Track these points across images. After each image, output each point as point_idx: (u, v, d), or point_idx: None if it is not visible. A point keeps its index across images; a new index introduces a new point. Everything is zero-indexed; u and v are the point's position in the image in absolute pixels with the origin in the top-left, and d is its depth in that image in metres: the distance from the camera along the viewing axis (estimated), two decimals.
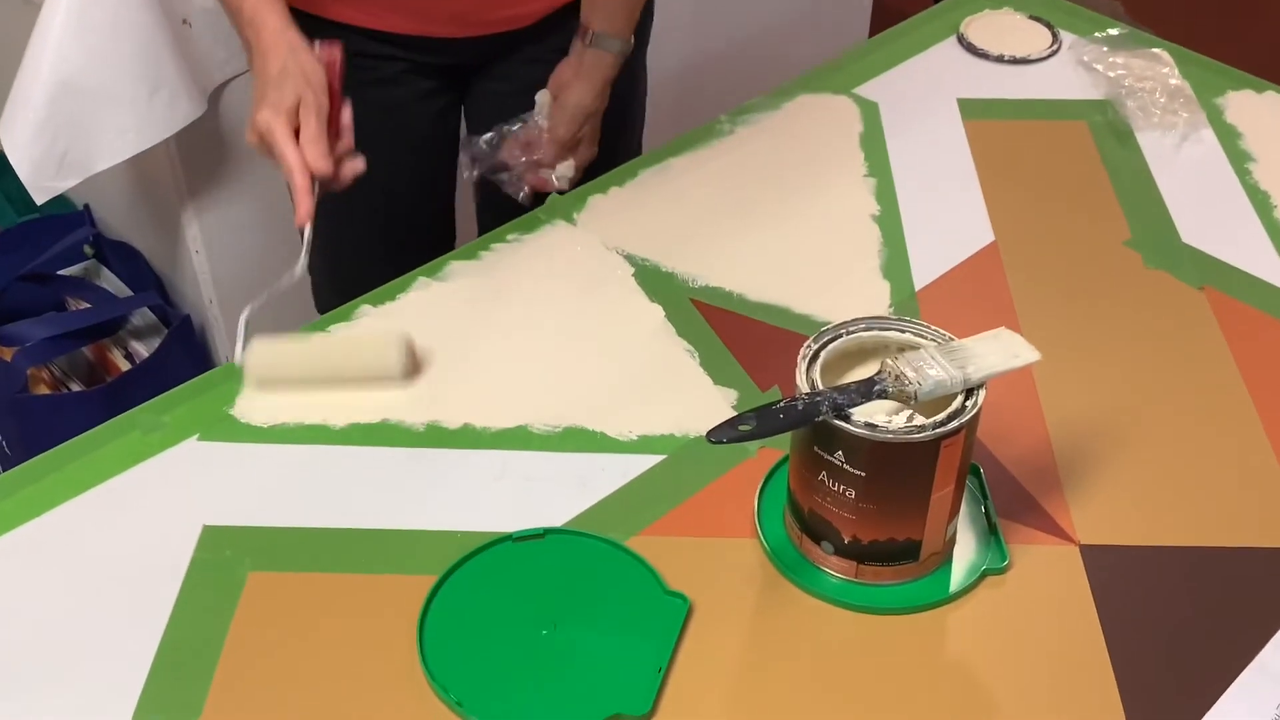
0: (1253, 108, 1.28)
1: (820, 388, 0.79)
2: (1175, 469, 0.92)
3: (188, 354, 1.67)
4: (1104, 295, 1.07)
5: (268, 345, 0.97)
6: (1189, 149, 1.23)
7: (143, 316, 1.73)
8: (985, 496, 0.88)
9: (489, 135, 1.17)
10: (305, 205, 0.93)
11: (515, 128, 1.16)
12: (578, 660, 0.78)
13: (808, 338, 0.83)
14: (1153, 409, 0.96)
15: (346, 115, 0.99)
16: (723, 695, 0.78)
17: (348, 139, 0.98)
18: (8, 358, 1.61)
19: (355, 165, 0.98)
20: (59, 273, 1.76)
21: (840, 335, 0.83)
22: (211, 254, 1.63)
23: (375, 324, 1.02)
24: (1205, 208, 1.15)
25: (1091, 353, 1.01)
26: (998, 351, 0.80)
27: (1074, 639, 0.80)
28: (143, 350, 1.70)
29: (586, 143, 1.17)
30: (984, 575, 0.84)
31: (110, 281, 1.79)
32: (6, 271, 1.68)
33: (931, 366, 0.78)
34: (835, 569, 0.83)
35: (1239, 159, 1.21)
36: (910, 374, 0.77)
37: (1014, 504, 0.88)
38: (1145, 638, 0.81)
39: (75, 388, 1.72)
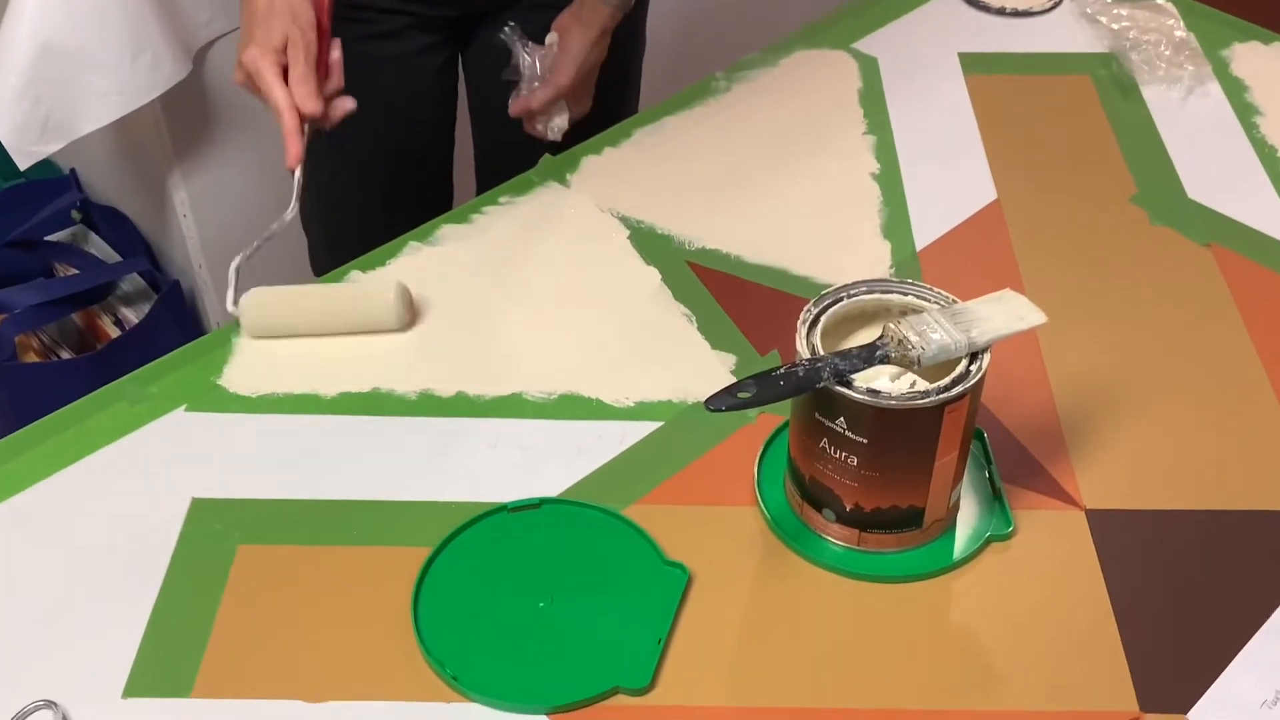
0: (1260, 60, 1.26)
1: (821, 353, 0.77)
2: (1182, 430, 0.90)
3: (177, 319, 1.65)
4: (1109, 253, 1.04)
5: (264, 294, 0.96)
6: (1195, 103, 1.20)
7: (132, 282, 1.71)
8: (989, 462, 0.86)
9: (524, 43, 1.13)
10: (295, 147, 0.92)
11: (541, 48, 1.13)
12: (575, 633, 0.77)
13: (807, 300, 0.81)
14: (1159, 369, 0.94)
15: (335, 53, 0.97)
16: (723, 666, 0.76)
17: (337, 78, 0.96)
18: None
19: (344, 104, 0.96)
20: (46, 239, 1.73)
21: (841, 299, 0.81)
22: (199, 218, 1.60)
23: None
24: (1212, 163, 1.13)
25: (1096, 313, 0.99)
26: (1002, 314, 0.78)
27: (1080, 605, 0.79)
28: (132, 316, 1.68)
29: (581, 96, 1.14)
30: (988, 542, 0.82)
31: (99, 247, 1.76)
32: None
33: (935, 330, 0.76)
34: (837, 537, 0.82)
35: (1246, 112, 1.19)
36: (913, 338, 0.76)
37: (1019, 469, 0.86)
38: (1153, 603, 0.79)
39: (65, 355, 1.70)
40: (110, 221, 1.72)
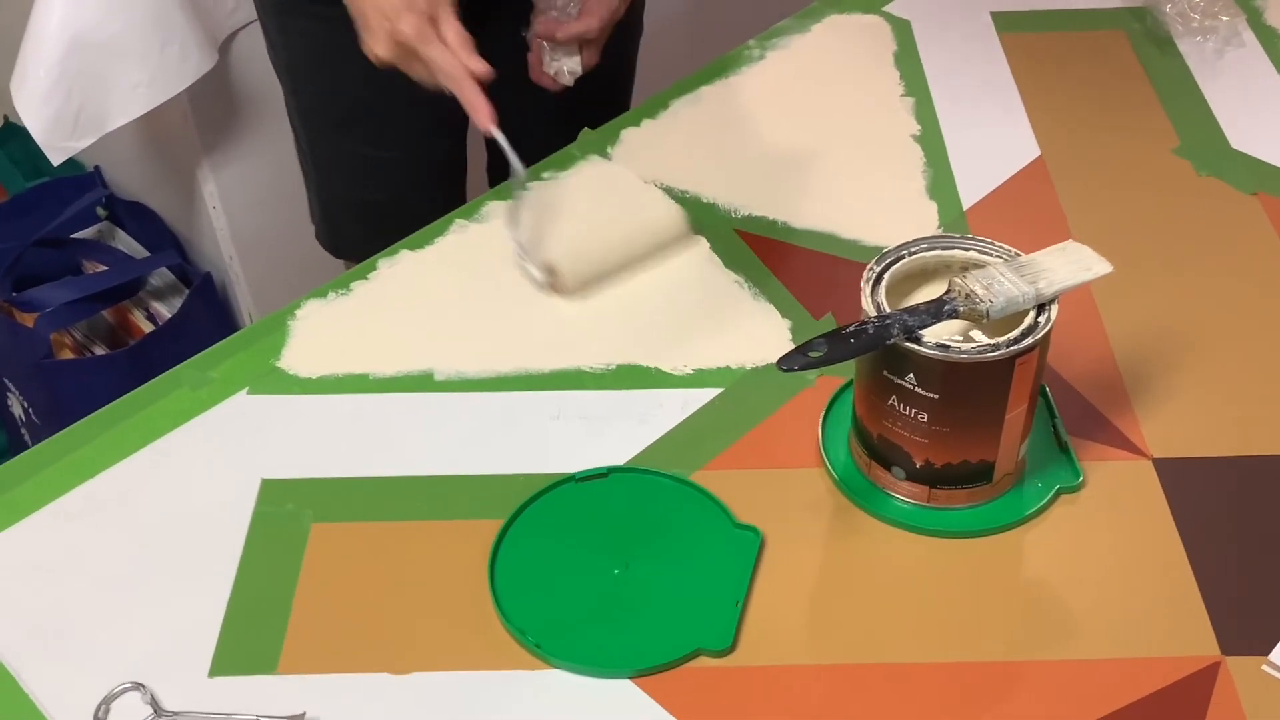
0: None
1: (887, 310, 0.77)
2: (1242, 376, 0.90)
3: (210, 312, 1.65)
4: (1156, 205, 1.04)
5: (566, 253, 0.97)
6: (1231, 53, 1.20)
7: (162, 277, 1.71)
8: (1054, 415, 0.86)
9: None
10: (484, 108, 0.88)
11: None
12: (653, 598, 0.77)
13: (858, 263, 0.81)
14: (1213, 317, 0.94)
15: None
16: (801, 625, 0.77)
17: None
18: (29, 324, 1.59)
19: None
20: (73, 236, 1.73)
21: (903, 256, 0.81)
22: (229, 210, 1.60)
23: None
24: (1252, 112, 1.13)
25: (1148, 264, 0.99)
26: (1068, 265, 0.78)
27: (1155, 554, 0.79)
28: (165, 310, 1.68)
29: (596, 47, 1.11)
30: (1058, 494, 0.82)
31: (125, 243, 1.76)
32: (21, 236, 1.66)
33: (1002, 283, 0.76)
34: (906, 494, 0.82)
35: None
36: (981, 292, 0.76)
37: (1083, 421, 0.87)
38: (1226, 548, 0.79)
39: (99, 351, 1.70)
40: (136, 217, 1.72)
